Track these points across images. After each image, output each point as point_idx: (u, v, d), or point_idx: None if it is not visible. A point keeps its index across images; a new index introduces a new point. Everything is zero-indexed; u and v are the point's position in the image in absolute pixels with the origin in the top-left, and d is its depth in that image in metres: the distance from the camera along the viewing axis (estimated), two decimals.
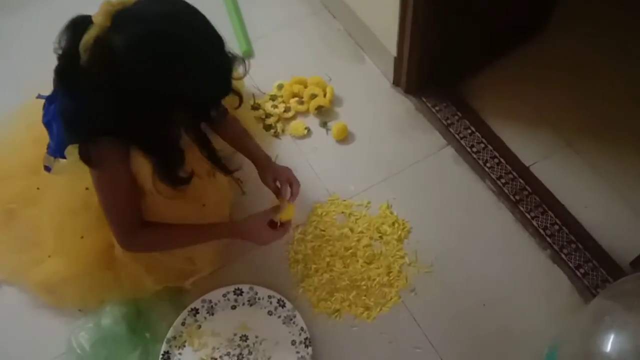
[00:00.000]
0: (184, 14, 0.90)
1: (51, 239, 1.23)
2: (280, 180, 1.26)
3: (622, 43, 1.72)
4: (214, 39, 0.92)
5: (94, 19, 0.87)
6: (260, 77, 1.65)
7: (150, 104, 0.91)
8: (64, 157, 1.08)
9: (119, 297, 1.27)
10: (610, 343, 0.85)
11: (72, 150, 1.01)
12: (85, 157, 0.98)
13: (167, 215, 1.15)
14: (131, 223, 1.11)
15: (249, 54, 1.75)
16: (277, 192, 1.26)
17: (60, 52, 0.94)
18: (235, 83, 0.99)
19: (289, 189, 1.25)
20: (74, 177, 1.12)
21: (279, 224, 1.23)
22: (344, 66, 1.72)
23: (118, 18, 0.86)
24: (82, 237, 1.21)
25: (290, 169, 1.29)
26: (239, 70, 1.02)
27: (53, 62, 0.96)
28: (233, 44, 1.76)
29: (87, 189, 1.13)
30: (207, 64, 0.91)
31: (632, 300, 0.89)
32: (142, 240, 1.14)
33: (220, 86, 0.96)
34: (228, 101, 1.10)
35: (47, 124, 1.13)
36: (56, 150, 1.11)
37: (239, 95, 1.09)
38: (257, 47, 1.77)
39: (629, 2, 1.79)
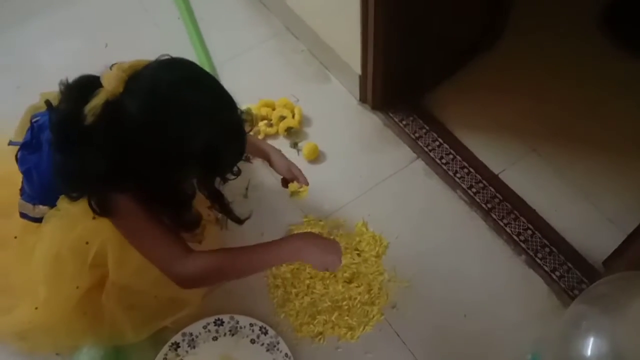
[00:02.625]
0: (196, 78, 0.93)
1: (42, 291, 1.15)
2: (295, 169, 1.32)
3: (575, 47, 1.77)
4: (227, 100, 0.95)
5: (105, 84, 0.88)
6: None
7: (167, 166, 0.93)
8: (45, 204, 1.09)
9: (95, 342, 1.23)
10: (589, 347, 0.87)
11: (63, 199, 1.02)
12: (100, 211, 0.97)
13: None
14: (180, 254, 1.03)
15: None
16: (291, 179, 1.32)
17: (60, 109, 0.94)
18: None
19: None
20: (66, 227, 1.09)
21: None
22: (310, 86, 1.73)
23: (130, 84, 0.88)
24: (77, 287, 1.16)
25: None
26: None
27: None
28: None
29: (87, 243, 1.09)
30: (224, 125, 0.93)
31: (607, 303, 0.91)
32: (201, 272, 1.03)
33: (238, 145, 0.98)
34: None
35: (27, 172, 1.09)
36: (36, 198, 1.10)
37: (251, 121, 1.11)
38: (221, 72, 1.77)
39: (579, 7, 1.85)
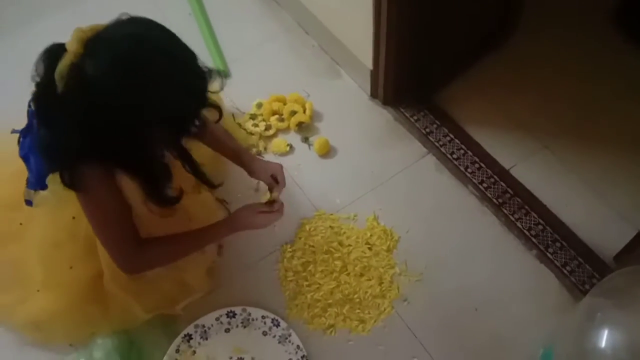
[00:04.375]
0: (153, 34, 0.91)
1: (39, 272, 1.20)
2: (277, 173, 1.28)
3: (587, 44, 1.77)
4: (185, 55, 0.93)
5: (67, 47, 0.87)
6: (239, 97, 1.66)
7: (128, 126, 0.91)
8: (45, 189, 1.08)
9: (109, 330, 1.25)
10: (604, 339, 0.87)
11: (53, 179, 1.00)
12: (69, 183, 0.96)
13: (154, 232, 1.13)
14: (128, 242, 1.07)
15: (225, 74, 1.75)
16: (272, 186, 1.28)
17: (37, 81, 0.93)
18: (213, 97, 1.00)
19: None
20: (57, 208, 1.11)
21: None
22: (321, 81, 1.74)
23: (90, 44, 0.87)
24: (70, 267, 1.18)
25: (278, 164, 1.32)
26: (215, 84, 1.01)
27: (25, 95, 0.95)
28: (209, 65, 1.76)
29: (73, 217, 1.11)
30: (180, 80, 0.91)
31: (621, 296, 0.91)
32: (143, 258, 1.10)
33: (195, 100, 0.95)
34: (208, 115, 1.11)
35: (25, 157, 1.11)
36: (36, 183, 1.10)
37: (218, 109, 1.10)
38: (233, 67, 1.78)
39: (591, 4, 1.84)
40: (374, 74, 1.59)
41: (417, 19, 1.42)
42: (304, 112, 1.63)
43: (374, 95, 1.68)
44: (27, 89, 0.97)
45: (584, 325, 0.92)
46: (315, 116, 1.65)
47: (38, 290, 1.21)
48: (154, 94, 0.88)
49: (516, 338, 1.27)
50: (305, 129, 1.62)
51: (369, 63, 1.57)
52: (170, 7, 1.91)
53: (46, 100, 0.92)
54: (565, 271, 1.36)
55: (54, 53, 0.89)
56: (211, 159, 1.39)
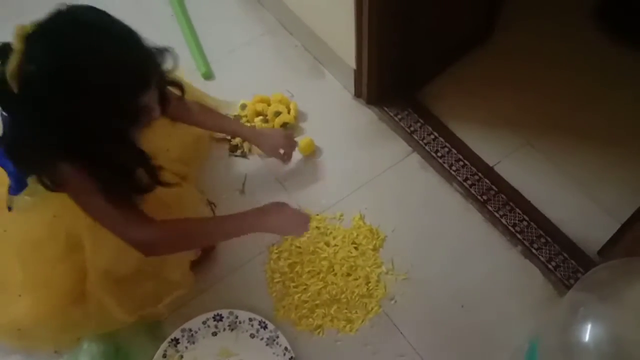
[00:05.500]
0: (88, 20, 0.90)
1: (19, 274, 1.17)
2: (285, 146, 1.45)
3: (570, 40, 1.78)
4: (125, 36, 0.92)
5: (13, 46, 0.86)
6: (223, 98, 1.64)
7: (78, 118, 0.89)
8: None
9: (93, 333, 1.23)
10: (587, 333, 0.88)
11: (32, 179, 0.99)
12: (51, 185, 0.95)
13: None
14: (137, 221, 1.01)
15: (208, 76, 1.75)
16: (282, 158, 1.45)
17: None
18: (173, 75, 0.99)
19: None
20: (37, 207, 1.09)
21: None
22: (304, 82, 1.73)
23: (29, 42, 0.86)
24: (52, 267, 1.16)
25: (282, 134, 1.47)
26: (168, 62, 0.99)
27: None
28: (192, 67, 1.75)
29: (54, 216, 1.09)
30: (123, 63, 0.89)
31: (604, 289, 0.92)
32: (161, 238, 1.04)
33: (137, 81, 0.92)
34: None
35: (3, 165, 1.09)
36: (17, 189, 1.09)
37: (179, 85, 1.08)
38: (216, 68, 1.77)
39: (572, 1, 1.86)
40: (357, 73, 1.59)
41: (399, 16, 1.42)
42: (288, 112, 1.62)
43: (357, 94, 1.68)
44: None
45: (568, 319, 0.93)
46: (299, 116, 1.65)
47: (20, 295, 1.19)
48: (97, 81, 0.87)
49: (503, 334, 1.28)
50: (289, 130, 1.61)
51: (352, 63, 1.57)
52: (152, 9, 1.90)
53: (5, 103, 0.91)
54: (550, 266, 1.37)
55: (3, 54, 0.88)
56: (193, 144, 1.41)
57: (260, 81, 1.72)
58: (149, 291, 1.24)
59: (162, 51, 0.97)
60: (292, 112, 1.62)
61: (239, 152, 1.58)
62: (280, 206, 1.16)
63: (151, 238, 1.02)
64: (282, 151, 1.48)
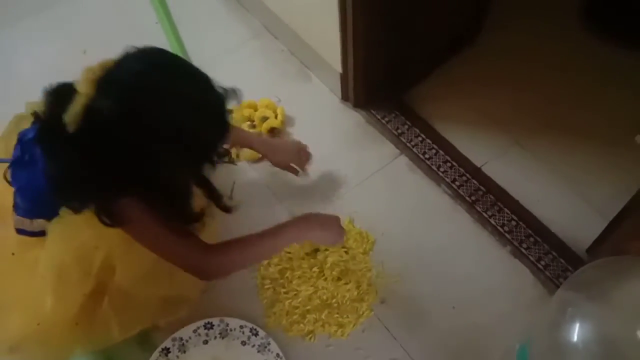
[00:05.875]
0: (164, 62, 0.91)
1: (49, 301, 1.13)
2: (299, 158, 1.44)
3: (556, 39, 1.79)
4: (200, 80, 0.93)
5: (78, 88, 0.86)
6: None
7: (153, 160, 0.90)
8: (43, 217, 1.08)
9: (86, 349, 1.22)
10: (575, 333, 0.88)
11: (65, 212, 1.01)
12: (111, 222, 0.97)
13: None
14: (197, 249, 1.06)
15: None
16: (294, 171, 1.44)
17: (42, 120, 0.93)
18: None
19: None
20: (68, 233, 1.08)
21: None
22: (291, 86, 1.73)
23: (101, 85, 0.86)
24: (83, 294, 1.15)
25: (296, 147, 1.45)
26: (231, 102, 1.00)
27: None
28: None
29: (96, 247, 1.09)
30: (200, 106, 0.90)
31: (591, 288, 0.92)
32: (218, 263, 1.08)
33: (218, 124, 0.95)
34: None
35: (20, 189, 1.07)
36: (31, 211, 1.09)
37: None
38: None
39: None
40: (344, 77, 1.59)
41: (384, 19, 1.42)
42: (276, 117, 1.62)
43: (344, 98, 1.68)
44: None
45: (556, 319, 0.93)
46: (287, 121, 1.64)
47: (38, 324, 1.15)
48: (174, 124, 0.88)
49: (494, 334, 1.28)
50: (277, 135, 1.61)
51: (338, 66, 1.57)
52: (136, 16, 1.89)
53: (54, 141, 0.91)
54: (539, 266, 1.37)
55: (62, 94, 0.88)
56: None
57: (247, 86, 1.68)
58: (156, 312, 1.25)
59: (230, 91, 0.98)
60: (279, 117, 1.62)
61: (226, 158, 1.57)
62: (320, 218, 1.18)
63: (211, 264, 1.07)
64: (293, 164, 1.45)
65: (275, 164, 1.44)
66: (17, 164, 1.07)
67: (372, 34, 1.43)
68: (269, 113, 1.62)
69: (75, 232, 1.07)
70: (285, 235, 1.13)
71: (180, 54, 1.77)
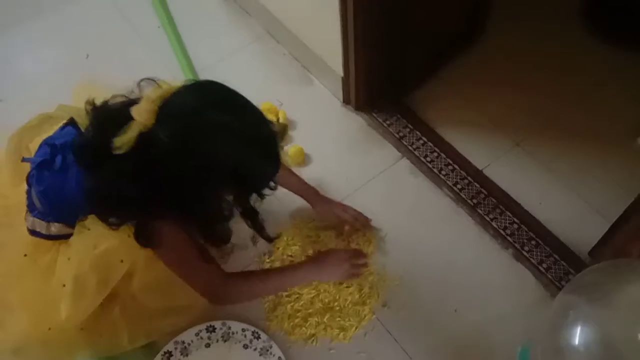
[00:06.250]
0: (222, 98, 0.94)
1: (65, 308, 1.14)
2: (349, 215, 1.40)
3: (556, 41, 1.79)
4: (255, 117, 0.95)
5: (135, 116, 0.88)
6: None
7: (201, 189, 0.93)
8: (60, 222, 1.10)
9: (90, 355, 1.23)
10: (577, 336, 0.88)
11: (94, 220, 1.03)
12: (146, 242, 1.00)
13: None
14: (215, 276, 1.12)
15: None
16: (341, 225, 1.40)
17: (91, 137, 0.94)
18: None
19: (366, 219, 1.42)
20: (91, 243, 1.10)
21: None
22: (293, 90, 1.74)
23: (160, 116, 0.88)
24: (100, 304, 1.17)
25: (342, 204, 1.42)
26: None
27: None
28: (180, 78, 1.75)
29: (122, 261, 1.11)
30: (253, 144, 0.92)
31: (593, 291, 0.92)
32: (231, 292, 1.15)
33: (270, 162, 0.97)
34: None
35: (44, 191, 1.07)
36: (49, 215, 1.10)
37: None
38: (203, 78, 1.76)
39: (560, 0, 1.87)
40: (345, 80, 1.60)
41: (384, 22, 1.43)
42: (277, 121, 1.62)
43: (346, 101, 1.68)
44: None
45: (558, 322, 0.93)
46: (288, 125, 1.65)
47: (50, 329, 1.17)
48: (225, 159, 0.90)
49: (496, 337, 1.28)
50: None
51: (339, 70, 1.57)
52: (139, 21, 1.90)
53: (101, 159, 0.91)
54: (541, 268, 1.37)
55: (116, 119, 0.90)
56: None
57: (249, 90, 1.69)
58: (163, 314, 1.26)
59: (280, 131, 1.00)
60: (281, 120, 1.62)
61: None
62: (330, 258, 1.23)
63: (229, 293, 1.14)
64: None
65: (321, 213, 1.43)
66: (44, 167, 1.07)
67: (373, 37, 1.43)
68: (270, 117, 1.62)
69: (98, 242, 1.08)
70: (295, 278, 1.23)
71: (182, 58, 1.78)
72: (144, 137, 0.88)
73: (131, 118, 0.88)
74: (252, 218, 1.11)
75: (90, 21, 1.95)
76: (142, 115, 0.88)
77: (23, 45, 1.89)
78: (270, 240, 1.22)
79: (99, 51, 1.84)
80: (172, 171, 0.89)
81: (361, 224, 1.42)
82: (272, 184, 1.05)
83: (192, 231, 1.05)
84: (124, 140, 0.87)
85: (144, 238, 1.00)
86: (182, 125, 0.88)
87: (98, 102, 0.99)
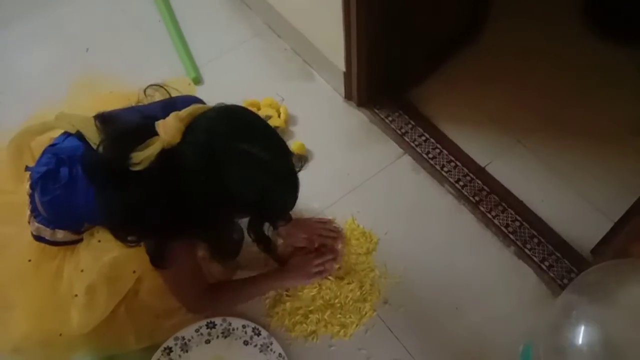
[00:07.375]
0: (250, 128, 0.93)
1: (76, 316, 1.15)
2: (320, 235, 1.38)
3: (557, 38, 1.78)
4: (280, 149, 0.95)
5: (161, 132, 0.87)
6: (212, 103, 1.63)
7: (219, 212, 0.95)
8: (65, 229, 1.10)
9: (91, 353, 1.23)
10: (580, 336, 0.88)
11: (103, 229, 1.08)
12: (159, 263, 1.02)
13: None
14: (200, 290, 1.20)
15: (197, 80, 1.73)
16: (311, 247, 1.37)
17: (106, 153, 0.93)
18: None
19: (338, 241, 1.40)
20: (101, 254, 1.11)
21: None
22: (294, 85, 1.73)
23: (187, 134, 0.88)
24: (112, 311, 1.18)
25: (309, 222, 1.40)
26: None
27: None
28: (181, 72, 1.74)
29: (134, 272, 1.15)
30: (277, 174, 0.93)
31: (596, 291, 0.92)
32: (210, 303, 1.25)
33: (290, 193, 0.98)
34: None
35: (50, 202, 1.06)
36: (54, 222, 1.10)
37: None
38: (205, 73, 1.76)
39: None
40: (347, 75, 1.59)
41: (387, 18, 1.42)
42: (279, 116, 1.61)
43: (348, 97, 1.67)
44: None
45: (561, 322, 0.93)
46: (290, 120, 1.64)
47: (60, 335, 1.17)
48: (247, 187, 0.91)
49: (497, 335, 1.28)
50: (280, 134, 1.60)
51: (341, 65, 1.56)
52: (140, 15, 1.89)
53: (115, 174, 0.91)
54: (543, 266, 1.36)
55: (137, 134, 0.89)
56: None
57: (250, 85, 1.72)
58: (170, 324, 1.28)
59: (297, 159, 1.01)
60: (282, 115, 1.61)
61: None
62: (296, 262, 1.32)
63: (204, 304, 1.24)
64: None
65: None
66: (49, 178, 1.05)
67: (375, 32, 1.42)
68: (272, 112, 1.61)
69: (109, 253, 1.09)
70: (260, 288, 1.31)
71: (182, 52, 1.77)
72: (166, 154, 0.87)
73: (148, 134, 0.88)
74: (265, 243, 1.13)
75: (90, 15, 1.94)
76: (168, 132, 0.87)
77: (22, 40, 1.88)
78: (282, 262, 1.29)
79: (98, 45, 1.83)
80: (196, 192, 0.89)
81: (331, 239, 1.39)
82: (287, 215, 1.07)
83: (201, 248, 1.08)
84: (145, 156, 0.87)
85: (160, 259, 1.01)
86: (211, 149, 0.88)
87: (98, 102, 0.99)
